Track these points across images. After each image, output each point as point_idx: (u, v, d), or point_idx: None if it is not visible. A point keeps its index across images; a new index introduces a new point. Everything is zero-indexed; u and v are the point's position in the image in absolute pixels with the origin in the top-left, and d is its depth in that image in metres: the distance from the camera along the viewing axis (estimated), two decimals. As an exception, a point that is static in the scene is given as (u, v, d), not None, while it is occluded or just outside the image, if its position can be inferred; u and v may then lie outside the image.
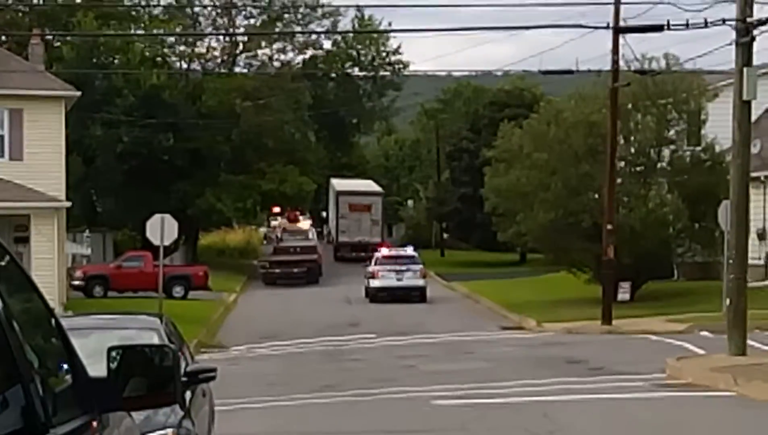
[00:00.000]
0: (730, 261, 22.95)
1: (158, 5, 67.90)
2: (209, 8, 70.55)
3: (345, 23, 77.01)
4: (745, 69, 21.85)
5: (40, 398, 3.89)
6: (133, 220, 58.98)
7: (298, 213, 70.08)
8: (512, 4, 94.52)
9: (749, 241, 23.17)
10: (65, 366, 4.57)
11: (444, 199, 76.48)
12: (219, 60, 72.44)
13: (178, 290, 47.39)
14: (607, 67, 35.96)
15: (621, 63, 35.40)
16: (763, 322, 27.84)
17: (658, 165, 42.69)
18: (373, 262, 49.84)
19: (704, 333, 29.15)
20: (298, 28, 73.21)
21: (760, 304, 29.95)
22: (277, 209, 71.37)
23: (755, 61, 22.47)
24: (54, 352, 4.59)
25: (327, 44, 77.05)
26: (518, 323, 37.57)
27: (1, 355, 3.74)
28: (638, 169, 42.55)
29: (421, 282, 48.30)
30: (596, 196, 40.28)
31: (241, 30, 73.01)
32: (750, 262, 23.72)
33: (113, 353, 4.53)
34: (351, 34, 77.51)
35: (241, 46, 72.83)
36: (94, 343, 8.21)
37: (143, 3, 67.05)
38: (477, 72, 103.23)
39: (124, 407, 4.79)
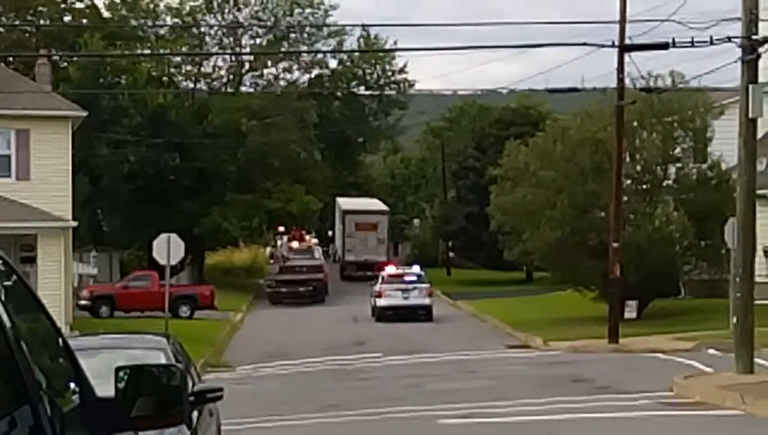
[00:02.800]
0: (737, 279, 22.91)
1: (164, 25, 68.16)
2: (215, 28, 70.76)
3: (351, 42, 77.28)
4: (750, 86, 21.86)
5: (48, 418, 3.89)
6: (140, 239, 59.07)
7: (304, 232, 70.13)
8: (518, 22, 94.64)
9: (756, 258, 23.13)
10: (73, 386, 4.58)
11: (450, 218, 76.43)
12: (225, 79, 72.61)
13: (184, 310, 47.40)
14: (613, 84, 35.98)
15: (627, 81, 35.44)
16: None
17: (664, 182, 42.68)
18: (379, 281, 49.80)
19: (711, 351, 29.08)
20: (304, 48, 73.41)
21: (768, 322, 29.89)
22: (282, 228, 71.33)
23: (761, 78, 22.49)
24: (62, 372, 4.60)
25: (333, 63, 77.26)
26: (524, 342, 37.50)
27: (9, 375, 3.75)
28: (644, 186, 42.51)
29: (427, 301, 48.22)
30: (602, 213, 40.26)
31: (247, 49, 73.19)
32: (757, 279, 23.67)
33: (121, 373, 4.54)
34: (357, 53, 77.63)
35: (247, 66, 73.01)
36: (101, 363, 8.23)
37: (149, 23, 67.26)
38: (482, 90, 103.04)
39: (131, 427, 4.80)
